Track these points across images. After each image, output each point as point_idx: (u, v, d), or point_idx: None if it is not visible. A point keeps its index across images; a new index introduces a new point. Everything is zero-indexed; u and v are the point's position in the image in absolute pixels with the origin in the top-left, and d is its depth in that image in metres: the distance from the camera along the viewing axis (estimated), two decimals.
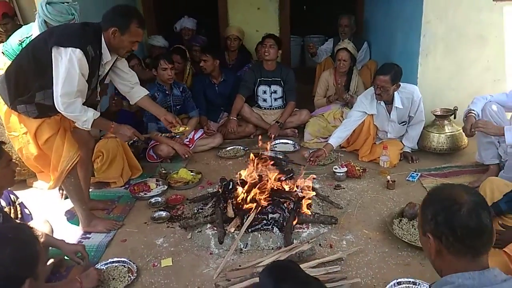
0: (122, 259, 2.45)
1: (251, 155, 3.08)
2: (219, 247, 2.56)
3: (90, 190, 3.17)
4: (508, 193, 2.25)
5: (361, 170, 3.46)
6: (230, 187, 2.90)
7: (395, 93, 3.52)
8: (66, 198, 3.07)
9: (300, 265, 2.24)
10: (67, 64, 2.32)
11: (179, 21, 5.53)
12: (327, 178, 3.45)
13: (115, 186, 3.44)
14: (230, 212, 2.71)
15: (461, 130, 3.60)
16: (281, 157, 3.78)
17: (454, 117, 3.71)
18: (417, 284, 2.15)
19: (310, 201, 2.85)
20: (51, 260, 2.36)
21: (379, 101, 3.59)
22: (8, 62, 2.83)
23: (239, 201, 2.74)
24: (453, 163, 3.60)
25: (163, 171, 3.57)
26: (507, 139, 2.72)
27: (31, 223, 2.34)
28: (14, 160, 2.27)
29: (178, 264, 2.46)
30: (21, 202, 2.46)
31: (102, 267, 2.39)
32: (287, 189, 2.86)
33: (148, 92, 3.01)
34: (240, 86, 4.45)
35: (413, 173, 3.42)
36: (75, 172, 2.67)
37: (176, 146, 3.83)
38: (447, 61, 3.95)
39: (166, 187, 3.37)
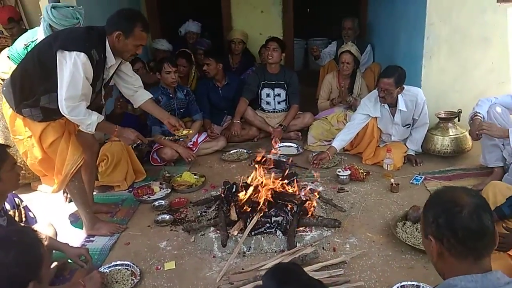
0: (126, 262, 2.46)
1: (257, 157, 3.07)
2: (222, 250, 2.56)
3: (94, 193, 3.18)
4: (511, 197, 2.24)
5: (364, 173, 3.45)
6: (234, 190, 2.90)
7: (399, 95, 3.51)
8: (70, 201, 3.08)
9: (303, 269, 2.25)
10: (72, 68, 2.34)
11: (184, 25, 5.56)
12: (330, 181, 3.45)
13: (119, 189, 3.45)
14: (233, 215, 2.71)
15: (466, 133, 3.60)
16: (284, 160, 3.77)
17: (458, 120, 3.69)
18: (421, 287, 2.14)
19: (314, 204, 2.85)
20: (54, 263, 2.37)
21: (383, 104, 3.59)
22: (14, 66, 2.86)
23: (242, 204, 2.74)
24: (457, 166, 3.58)
25: (167, 174, 3.57)
26: None
27: (35, 226, 2.34)
28: (18, 164, 2.29)
29: (181, 267, 2.47)
30: (26, 205, 2.47)
31: (105, 270, 2.40)
32: (290, 192, 2.86)
33: (152, 96, 3.02)
34: (244, 89, 4.46)
35: (417, 176, 3.41)
36: (79, 175, 2.69)
37: (179, 149, 3.84)
38: (451, 63, 3.94)
39: (169, 190, 3.38)
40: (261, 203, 2.70)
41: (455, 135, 3.63)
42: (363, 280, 2.26)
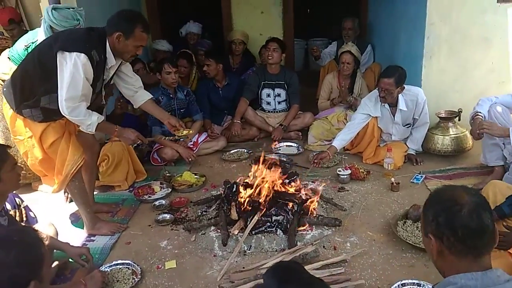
0: (127, 262, 2.46)
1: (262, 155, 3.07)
2: (223, 249, 2.56)
3: (94, 193, 3.19)
4: (511, 196, 2.24)
5: (365, 173, 3.45)
6: (234, 189, 2.90)
7: (400, 95, 3.52)
8: (70, 201, 3.09)
9: (304, 267, 2.26)
10: (72, 69, 2.35)
11: (185, 26, 5.57)
12: (331, 180, 3.45)
13: (119, 189, 3.46)
14: (234, 215, 2.72)
15: (466, 132, 3.60)
16: (285, 159, 3.77)
17: (459, 119, 3.69)
18: (422, 285, 2.14)
19: (315, 205, 2.85)
20: (55, 263, 2.38)
21: (383, 104, 3.59)
22: (14, 67, 2.86)
23: (243, 203, 2.74)
24: (458, 165, 3.59)
25: (167, 174, 3.58)
26: None
27: (36, 226, 2.35)
28: (19, 164, 2.29)
29: (182, 266, 2.47)
30: (26, 205, 2.47)
31: (106, 270, 2.40)
32: (291, 191, 2.86)
33: (152, 96, 3.03)
34: (244, 90, 4.46)
35: (417, 175, 3.41)
36: (79, 175, 2.69)
37: (180, 149, 3.85)
38: (451, 63, 3.94)
39: (170, 190, 3.39)
40: (263, 199, 2.70)
41: (456, 134, 3.63)
42: (363, 279, 2.26)
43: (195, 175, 3.61)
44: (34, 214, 2.52)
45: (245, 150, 4.15)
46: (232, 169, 3.81)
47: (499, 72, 4.00)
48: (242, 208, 2.71)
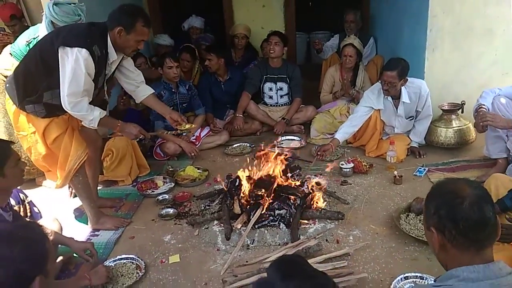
0: (131, 256, 2.48)
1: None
2: (226, 243, 2.58)
3: (98, 188, 3.20)
4: None
5: (368, 166, 3.45)
6: (237, 183, 2.91)
7: (403, 88, 3.50)
8: (74, 196, 3.11)
9: (307, 261, 2.27)
10: (73, 64, 2.35)
11: (187, 20, 5.55)
12: (333, 174, 3.45)
13: (123, 184, 3.47)
14: (237, 209, 2.73)
15: (469, 125, 3.59)
16: (287, 153, 3.77)
17: (462, 112, 3.68)
18: (424, 278, 2.15)
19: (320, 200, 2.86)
20: (60, 258, 2.40)
21: (386, 96, 3.58)
22: (16, 63, 2.86)
23: (246, 198, 2.75)
24: (461, 158, 3.58)
25: (170, 169, 3.59)
26: None
27: (40, 221, 2.37)
28: (22, 160, 2.30)
29: (186, 260, 2.49)
30: (30, 200, 2.49)
31: (110, 264, 2.42)
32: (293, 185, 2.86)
33: (154, 91, 3.03)
34: (246, 84, 4.45)
35: (420, 168, 3.41)
36: (83, 170, 2.71)
37: (182, 144, 3.85)
38: (454, 55, 3.91)
39: (173, 184, 3.40)
40: (271, 190, 2.71)
41: (459, 127, 3.62)
42: (366, 272, 2.27)
43: (198, 169, 3.61)
44: (38, 209, 2.53)
45: (248, 144, 4.16)
46: (235, 163, 3.81)
47: (503, 63, 3.97)
48: (245, 201, 2.72)
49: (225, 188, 2.96)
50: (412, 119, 3.71)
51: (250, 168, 2.95)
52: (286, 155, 3.12)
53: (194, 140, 4.05)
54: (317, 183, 3.04)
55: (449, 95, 3.90)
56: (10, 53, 3.19)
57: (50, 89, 2.46)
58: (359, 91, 4.27)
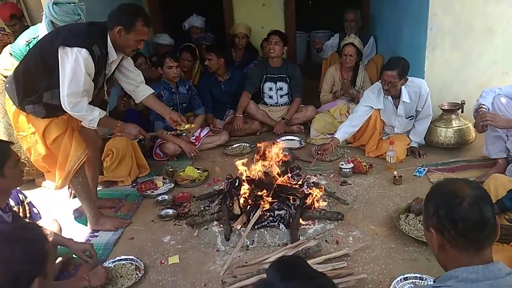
0: (130, 257, 2.48)
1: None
2: (226, 244, 2.57)
3: (98, 188, 3.20)
4: None
5: (367, 166, 3.45)
6: (236, 184, 2.91)
7: (403, 87, 3.50)
8: (74, 197, 3.11)
9: (307, 261, 2.26)
10: (73, 64, 2.35)
11: (188, 19, 5.54)
12: (333, 174, 3.45)
13: (122, 184, 3.47)
14: (237, 209, 2.73)
15: (469, 124, 3.59)
16: (287, 153, 3.77)
17: (462, 111, 3.67)
18: (424, 279, 2.15)
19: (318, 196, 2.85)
20: (59, 259, 2.39)
21: (386, 96, 3.57)
22: (16, 63, 2.86)
23: (246, 199, 2.75)
24: (461, 158, 3.57)
25: (170, 169, 3.59)
26: None
27: (40, 222, 2.37)
28: (22, 160, 2.30)
29: (185, 261, 2.48)
30: (30, 201, 2.49)
31: (110, 265, 2.42)
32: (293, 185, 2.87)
33: (153, 91, 3.02)
34: (246, 83, 4.45)
35: (420, 168, 3.40)
36: (82, 171, 2.70)
37: (182, 144, 3.85)
38: (454, 54, 3.90)
39: (173, 185, 3.40)
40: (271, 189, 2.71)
41: (459, 126, 3.62)
42: (366, 273, 2.27)
43: (198, 170, 3.61)
44: (38, 210, 2.54)
45: (248, 144, 4.15)
46: (235, 164, 3.79)
47: (503, 62, 3.97)
48: (245, 201, 2.72)
49: (224, 188, 2.96)
50: (412, 118, 3.71)
51: (249, 167, 2.95)
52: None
53: (193, 141, 4.05)
54: (315, 183, 3.04)
55: (449, 94, 3.90)
56: (10, 53, 3.19)
57: (50, 89, 2.46)
58: (359, 91, 4.27)
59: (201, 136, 4.13)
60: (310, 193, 2.81)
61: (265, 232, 2.62)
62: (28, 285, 1.46)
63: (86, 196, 2.75)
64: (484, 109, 2.94)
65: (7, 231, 1.61)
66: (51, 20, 2.89)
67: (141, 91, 2.94)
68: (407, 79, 3.46)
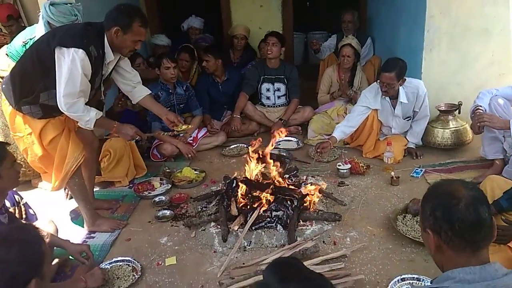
0: (127, 258, 2.47)
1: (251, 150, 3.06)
2: (223, 245, 2.57)
3: (94, 189, 3.19)
4: (508, 191, 2.24)
5: (365, 167, 3.45)
6: (234, 185, 2.90)
7: (400, 88, 3.50)
8: (70, 198, 3.09)
9: (304, 262, 2.25)
10: (70, 65, 2.34)
11: (187, 20, 5.53)
12: (330, 175, 3.45)
13: (119, 185, 3.46)
14: (234, 210, 2.72)
15: (466, 125, 3.60)
16: (284, 154, 3.77)
17: (459, 112, 3.68)
18: (421, 280, 2.15)
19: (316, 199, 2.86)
20: (56, 260, 2.39)
21: (384, 96, 3.58)
22: (13, 64, 2.85)
23: (243, 200, 2.75)
24: (458, 159, 3.58)
25: (167, 170, 3.58)
26: None
27: (36, 223, 2.36)
28: (18, 161, 2.29)
29: (182, 262, 2.48)
30: (26, 202, 2.48)
31: (106, 266, 2.41)
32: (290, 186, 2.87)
33: (150, 92, 3.02)
34: (243, 84, 4.45)
35: (417, 169, 3.41)
36: (79, 172, 2.70)
37: (179, 145, 3.85)
38: (452, 55, 3.92)
39: (170, 186, 3.39)
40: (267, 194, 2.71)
41: (456, 127, 3.62)
42: (363, 274, 2.26)
43: (195, 170, 3.61)
44: (34, 211, 2.53)
45: (245, 145, 4.14)
46: (232, 165, 3.80)
47: (500, 64, 3.98)
48: (242, 204, 2.72)
49: (222, 189, 2.95)
50: (410, 119, 3.72)
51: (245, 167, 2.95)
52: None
53: (191, 141, 4.05)
54: (312, 184, 3.04)
55: (446, 96, 3.91)
56: (6, 54, 3.18)
57: (46, 90, 2.45)
58: (356, 92, 4.28)
59: (199, 137, 4.12)
60: (307, 194, 2.81)
61: (263, 233, 2.62)
62: (25, 287, 1.46)
63: (82, 197, 2.74)
64: (481, 110, 2.95)
65: (3, 232, 1.61)
66: (48, 21, 2.88)
67: (138, 91, 2.93)
68: (405, 79, 3.47)
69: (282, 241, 2.58)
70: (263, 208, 2.68)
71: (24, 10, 4.63)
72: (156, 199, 3.19)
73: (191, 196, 3.22)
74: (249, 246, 2.56)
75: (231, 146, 4.16)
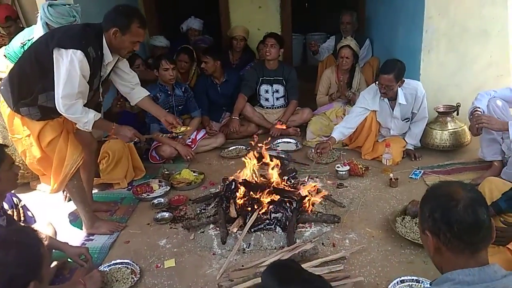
0: (125, 261, 2.46)
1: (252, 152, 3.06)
2: (222, 247, 2.56)
3: (93, 192, 3.18)
4: (507, 192, 2.24)
5: (363, 168, 3.45)
6: (233, 187, 2.90)
7: (399, 89, 3.51)
8: (69, 200, 3.09)
9: (303, 265, 2.26)
10: (68, 66, 2.33)
11: (186, 22, 5.53)
12: (329, 176, 3.45)
13: (118, 187, 3.45)
14: (233, 212, 2.72)
15: (464, 127, 3.60)
16: (283, 156, 3.77)
17: (457, 114, 3.68)
18: (420, 282, 2.15)
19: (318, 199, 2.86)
20: (54, 263, 2.38)
21: (382, 98, 3.58)
22: (11, 65, 2.85)
23: (242, 202, 2.75)
24: (456, 160, 3.58)
25: (166, 172, 3.57)
26: (511, 134, 2.71)
27: (35, 226, 2.35)
28: (17, 163, 2.28)
29: (181, 265, 2.47)
30: (24, 204, 2.47)
31: (105, 269, 2.40)
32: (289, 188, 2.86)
33: (149, 93, 3.01)
34: (242, 86, 4.45)
35: (416, 171, 3.41)
36: (78, 174, 2.69)
37: (178, 147, 3.84)
38: (450, 56, 3.92)
39: (168, 188, 3.38)
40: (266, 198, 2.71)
41: (454, 129, 3.63)
42: (362, 275, 2.26)
43: (194, 172, 3.60)
44: (32, 214, 2.51)
45: (244, 147, 4.14)
46: (231, 166, 3.80)
47: (498, 65, 3.98)
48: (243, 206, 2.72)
49: (220, 191, 2.94)
50: (408, 121, 3.72)
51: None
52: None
53: (190, 143, 4.04)
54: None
55: (444, 97, 3.91)
56: (4, 55, 3.17)
57: (45, 91, 2.44)
58: (355, 93, 4.28)
59: (197, 139, 4.12)
60: (306, 196, 2.81)
61: (262, 235, 2.61)
62: None
63: (81, 199, 2.74)
64: (479, 112, 2.96)
65: (2, 234, 1.60)
66: (46, 22, 2.88)
67: (136, 93, 2.93)
68: (404, 81, 3.47)
69: (281, 243, 2.57)
70: (262, 210, 2.68)
71: (23, 11, 4.63)
72: (155, 201, 3.18)
73: (190, 198, 3.21)
74: (248, 248, 2.55)
75: (230, 148, 4.16)
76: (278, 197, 2.75)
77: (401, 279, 2.17)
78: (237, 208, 2.73)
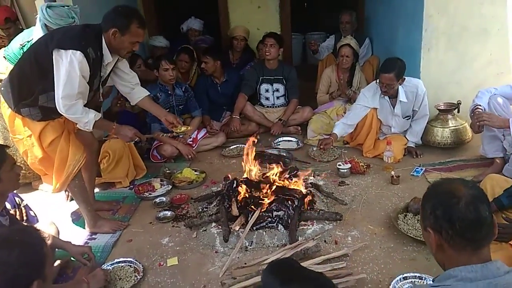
0: (128, 259, 2.47)
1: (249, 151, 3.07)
2: (224, 245, 2.57)
3: (95, 191, 3.19)
4: (509, 188, 2.25)
5: (365, 166, 3.45)
6: (234, 185, 2.90)
7: (400, 87, 3.52)
8: (71, 200, 3.09)
9: (306, 262, 2.27)
10: (68, 67, 2.34)
11: (186, 22, 5.53)
12: (331, 174, 3.45)
13: (120, 186, 3.46)
14: (235, 211, 2.72)
15: (465, 124, 3.60)
16: (284, 154, 3.78)
17: (458, 111, 3.69)
18: (423, 278, 2.15)
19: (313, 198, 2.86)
20: (58, 262, 2.38)
21: (383, 96, 3.59)
22: (10, 67, 2.86)
23: (244, 200, 2.75)
24: (458, 157, 3.58)
25: (167, 171, 3.58)
26: None
27: (37, 225, 2.35)
28: (18, 163, 2.29)
29: (184, 263, 2.47)
30: (26, 204, 2.48)
31: (108, 268, 2.40)
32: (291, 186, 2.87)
33: (149, 93, 3.02)
34: (242, 85, 4.45)
35: (417, 168, 3.41)
36: (79, 174, 2.69)
37: (179, 146, 3.85)
38: (450, 55, 3.93)
39: (170, 187, 3.39)
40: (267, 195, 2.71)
41: (455, 126, 3.63)
42: (365, 273, 2.26)
43: (195, 171, 3.61)
44: (35, 213, 2.52)
45: (245, 146, 4.14)
46: (232, 165, 3.80)
47: (498, 63, 3.99)
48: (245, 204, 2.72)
49: (222, 190, 2.95)
50: (409, 118, 3.72)
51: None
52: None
53: (191, 142, 4.04)
54: (313, 184, 3.04)
55: (445, 95, 3.92)
56: (4, 57, 3.17)
57: (45, 92, 2.45)
58: (355, 92, 4.28)
59: (198, 138, 4.12)
60: (308, 193, 2.81)
61: (264, 233, 2.62)
62: None
63: (83, 198, 2.74)
64: (480, 110, 2.96)
65: (5, 234, 1.60)
66: (45, 24, 2.88)
67: (136, 93, 2.93)
68: (404, 79, 3.48)
69: (284, 241, 2.58)
70: (264, 208, 2.68)
71: (22, 12, 4.63)
72: (157, 200, 3.19)
73: (191, 197, 3.22)
74: (251, 246, 2.56)
75: (231, 147, 4.16)
76: (280, 195, 2.76)
77: (403, 276, 2.17)
78: (238, 206, 2.74)
